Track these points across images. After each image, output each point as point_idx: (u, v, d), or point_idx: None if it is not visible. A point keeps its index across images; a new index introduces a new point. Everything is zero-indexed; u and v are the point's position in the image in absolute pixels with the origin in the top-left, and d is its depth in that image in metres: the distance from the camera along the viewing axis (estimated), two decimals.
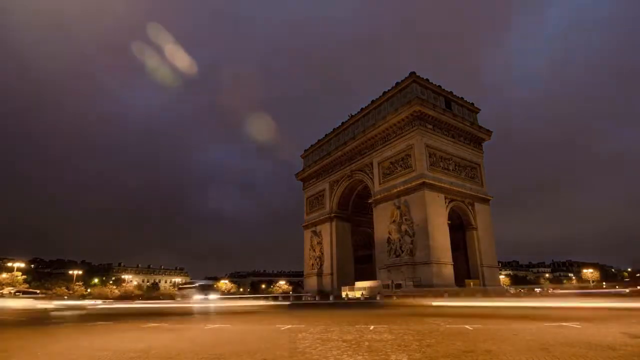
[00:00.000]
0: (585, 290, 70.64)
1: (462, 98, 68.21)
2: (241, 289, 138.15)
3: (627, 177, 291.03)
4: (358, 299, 57.03)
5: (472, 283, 57.22)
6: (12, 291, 53.49)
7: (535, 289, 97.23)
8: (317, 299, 63.90)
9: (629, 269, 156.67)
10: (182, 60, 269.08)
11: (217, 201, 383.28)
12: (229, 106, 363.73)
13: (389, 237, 59.63)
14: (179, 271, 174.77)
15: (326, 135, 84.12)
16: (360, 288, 60.43)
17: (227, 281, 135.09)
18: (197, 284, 55.44)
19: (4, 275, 73.75)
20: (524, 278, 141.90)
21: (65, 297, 66.34)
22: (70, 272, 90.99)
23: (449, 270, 54.71)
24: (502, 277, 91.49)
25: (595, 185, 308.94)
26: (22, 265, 79.99)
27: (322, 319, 18.51)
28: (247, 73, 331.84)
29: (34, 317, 24.51)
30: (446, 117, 62.61)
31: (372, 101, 70.02)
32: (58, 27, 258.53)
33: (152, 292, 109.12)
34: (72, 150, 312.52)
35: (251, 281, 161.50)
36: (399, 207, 58.52)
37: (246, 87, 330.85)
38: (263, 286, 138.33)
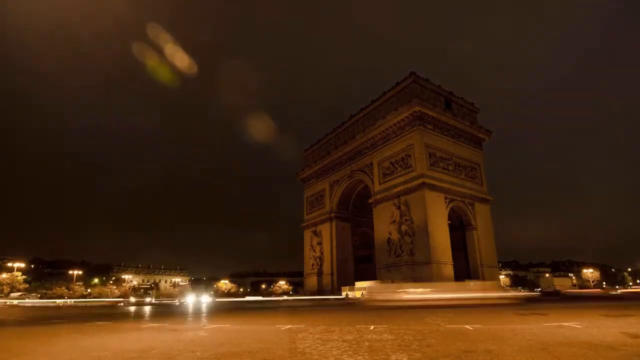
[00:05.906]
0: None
1: (462, 98, 68.15)
2: (241, 289, 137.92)
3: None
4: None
5: (472, 283, 57.08)
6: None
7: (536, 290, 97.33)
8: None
9: (629, 269, 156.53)
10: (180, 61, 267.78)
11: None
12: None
13: (389, 237, 59.62)
14: (180, 271, 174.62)
15: (326, 135, 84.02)
16: (361, 288, 60.27)
17: (227, 281, 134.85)
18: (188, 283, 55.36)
19: (4, 275, 73.63)
20: (524, 278, 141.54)
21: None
22: (70, 272, 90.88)
23: (448, 270, 54.70)
24: (502, 277, 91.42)
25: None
26: (22, 265, 79.87)
27: (322, 319, 18.50)
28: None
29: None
30: (446, 117, 62.58)
31: (372, 101, 69.98)
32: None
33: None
34: (71, 150, 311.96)
35: (251, 281, 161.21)
36: (399, 207, 58.50)
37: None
38: (263, 286, 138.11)
